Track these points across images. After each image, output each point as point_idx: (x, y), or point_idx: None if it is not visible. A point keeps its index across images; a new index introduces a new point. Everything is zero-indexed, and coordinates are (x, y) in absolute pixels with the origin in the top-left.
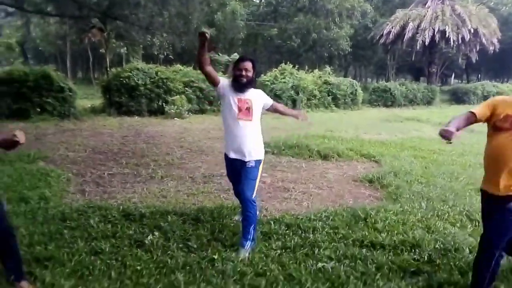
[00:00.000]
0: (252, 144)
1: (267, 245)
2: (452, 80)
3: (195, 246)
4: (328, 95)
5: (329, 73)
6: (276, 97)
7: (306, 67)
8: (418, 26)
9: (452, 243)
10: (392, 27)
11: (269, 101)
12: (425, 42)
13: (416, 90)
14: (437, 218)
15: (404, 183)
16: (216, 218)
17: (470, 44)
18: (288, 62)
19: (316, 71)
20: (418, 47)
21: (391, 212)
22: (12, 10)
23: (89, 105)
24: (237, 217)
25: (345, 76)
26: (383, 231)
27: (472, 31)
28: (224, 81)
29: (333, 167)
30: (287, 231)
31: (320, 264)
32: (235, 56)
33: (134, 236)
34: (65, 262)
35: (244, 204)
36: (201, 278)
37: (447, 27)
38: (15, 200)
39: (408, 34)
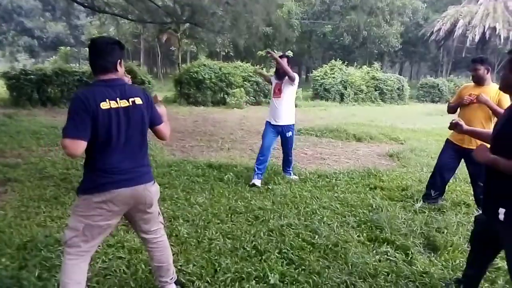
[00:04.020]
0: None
1: (303, 184)
2: None
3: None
4: (375, 90)
5: (377, 69)
6: (325, 91)
7: (356, 64)
8: (469, 23)
9: None
10: (442, 24)
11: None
12: (474, 39)
13: None
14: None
15: (416, 157)
16: (270, 171)
17: None
18: (339, 59)
19: (364, 67)
20: (468, 44)
21: (396, 172)
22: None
23: (161, 97)
24: None
25: (399, 73)
26: (386, 181)
27: None
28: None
29: (364, 146)
30: (318, 178)
31: (336, 194)
32: (289, 53)
33: (216, 176)
34: (176, 186)
35: (286, 155)
36: (261, 195)
37: (497, 24)
38: None
39: (458, 31)
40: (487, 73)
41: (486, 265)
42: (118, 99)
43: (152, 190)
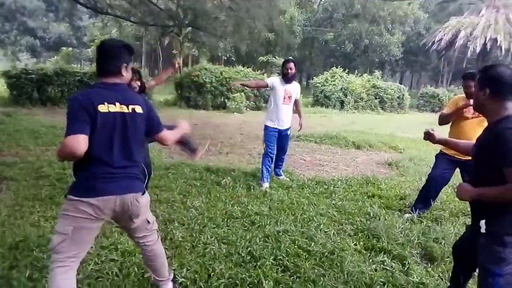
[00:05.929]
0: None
1: (301, 190)
2: None
3: (254, 186)
4: (375, 98)
5: (378, 78)
6: (325, 98)
7: (357, 72)
8: (471, 34)
9: None
10: (444, 34)
11: (298, 96)
12: (475, 50)
13: None
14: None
15: (415, 166)
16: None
17: None
18: (340, 66)
19: (365, 75)
20: (469, 55)
21: (394, 180)
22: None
23: (162, 99)
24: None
25: (400, 82)
26: (384, 189)
27: None
28: (272, 79)
29: (363, 154)
30: (316, 185)
31: (333, 201)
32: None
33: (214, 179)
34: (173, 189)
35: (283, 153)
36: (258, 200)
37: (499, 35)
38: None
39: (459, 42)
40: None
41: (460, 280)
42: (117, 103)
43: (141, 201)
